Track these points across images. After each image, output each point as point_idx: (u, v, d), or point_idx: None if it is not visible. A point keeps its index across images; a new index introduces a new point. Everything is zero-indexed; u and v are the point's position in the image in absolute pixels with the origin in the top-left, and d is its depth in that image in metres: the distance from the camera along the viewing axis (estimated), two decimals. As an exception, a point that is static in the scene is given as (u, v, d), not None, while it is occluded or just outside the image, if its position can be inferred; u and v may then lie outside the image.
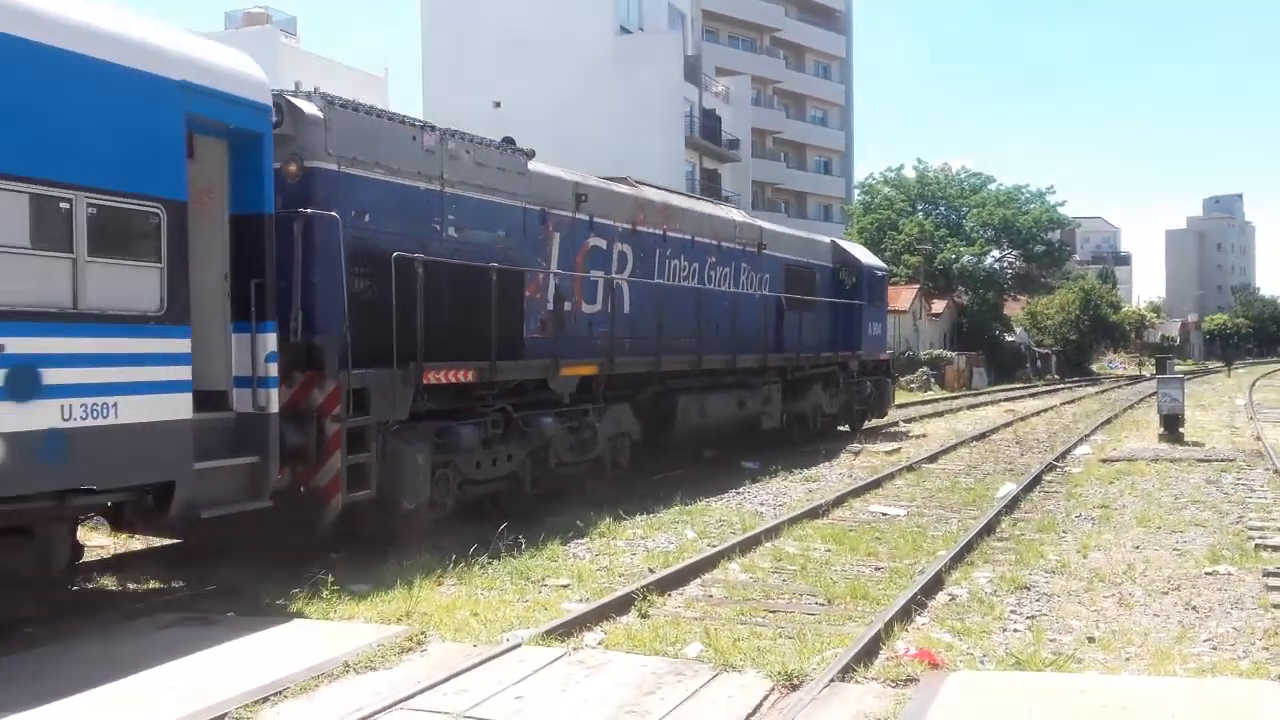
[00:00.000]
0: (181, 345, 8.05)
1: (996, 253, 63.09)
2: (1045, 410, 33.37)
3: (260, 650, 7.09)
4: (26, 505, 7.14)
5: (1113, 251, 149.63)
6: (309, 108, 9.83)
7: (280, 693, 6.26)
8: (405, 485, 10.47)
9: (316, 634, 7.49)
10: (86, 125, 7.44)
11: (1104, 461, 18.66)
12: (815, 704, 6.19)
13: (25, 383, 6.89)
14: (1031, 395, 43.96)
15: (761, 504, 14.33)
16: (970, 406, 35.34)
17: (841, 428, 23.95)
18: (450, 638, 7.63)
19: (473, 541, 10.36)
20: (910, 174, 63.45)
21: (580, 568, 10.11)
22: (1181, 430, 22.20)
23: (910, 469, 17.72)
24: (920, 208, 62.05)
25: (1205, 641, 7.86)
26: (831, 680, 6.55)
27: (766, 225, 21.42)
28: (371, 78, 46.62)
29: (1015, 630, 8.16)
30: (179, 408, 7.97)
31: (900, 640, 7.62)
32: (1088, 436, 23.54)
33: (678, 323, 16.14)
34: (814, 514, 13.03)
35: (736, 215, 20.18)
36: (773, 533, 11.69)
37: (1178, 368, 53.89)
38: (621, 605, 8.53)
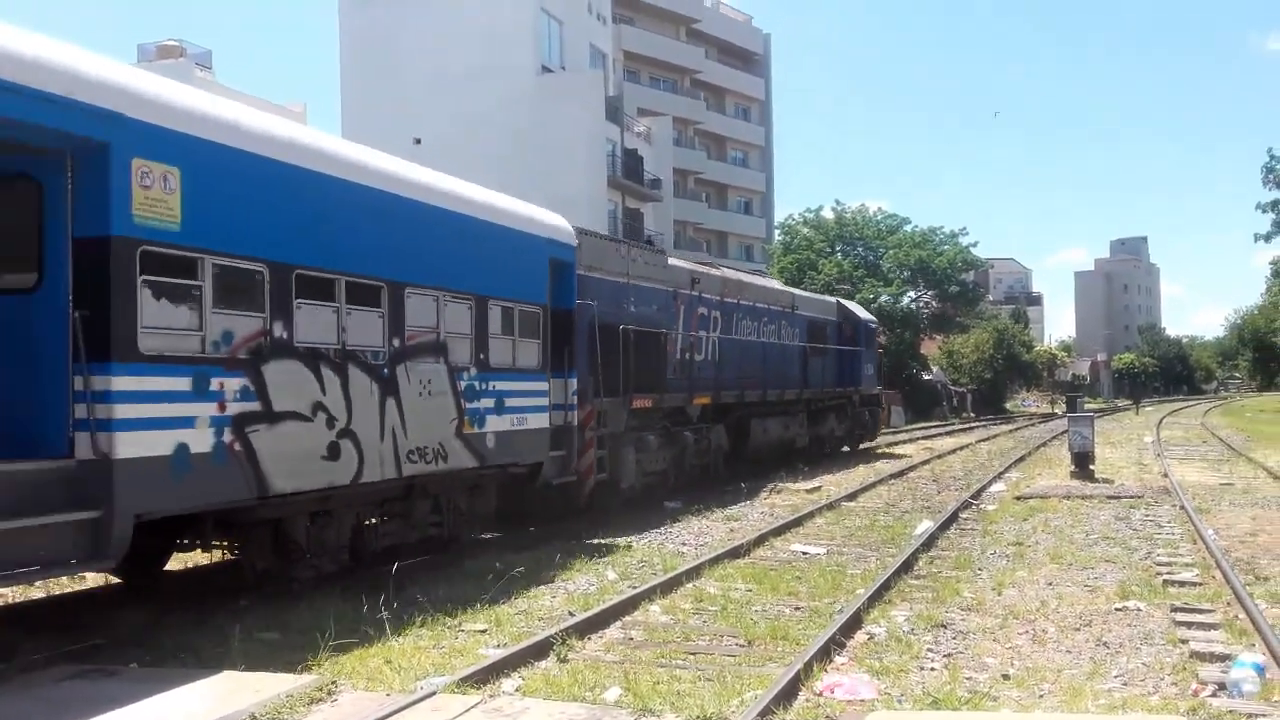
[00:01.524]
0: (559, 386, 14.36)
1: (913, 293, 64.26)
2: (961, 448, 33.93)
3: (163, 703, 6.83)
4: (490, 470, 12.88)
5: (1024, 292, 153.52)
6: (575, 240, 15.14)
7: (183, 747, 6.03)
8: (624, 471, 16.76)
9: (222, 685, 7.23)
10: (521, 269, 13.48)
11: (1018, 499, 18.99)
12: (734, 748, 6.14)
13: (501, 405, 12.80)
14: (948, 433, 44.70)
15: (684, 543, 14.30)
16: (889, 445, 35.78)
17: (845, 449, 30.83)
18: (362, 687, 7.44)
19: (379, 585, 10.16)
20: (829, 215, 64.50)
21: (498, 612, 9.96)
22: (1092, 467, 22.73)
23: (830, 507, 17.84)
24: (839, 248, 63.03)
25: (1116, 677, 7.98)
26: (751, 723, 6.51)
27: (796, 291, 29.79)
28: (289, 113, 46.10)
29: (932, 668, 8.21)
30: (545, 419, 13.90)
31: (819, 681, 7.62)
32: (1002, 474, 23.97)
33: (749, 366, 23.04)
34: (735, 553, 13.03)
35: (776, 284, 29.20)
36: (694, 573, 11.66)
37: (1088, 406, 55.31)
38: (540, 650, 8.40)
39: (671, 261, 20.18)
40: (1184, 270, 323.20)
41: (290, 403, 9.55)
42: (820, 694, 7.40)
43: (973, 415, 64.80)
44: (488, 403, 12.57)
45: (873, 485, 21.60)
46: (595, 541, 14.21)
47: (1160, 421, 51.89)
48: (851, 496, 19.53)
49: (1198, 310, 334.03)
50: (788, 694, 7.19)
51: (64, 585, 11.26)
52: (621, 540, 14.09)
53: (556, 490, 14.84)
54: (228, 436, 8.87)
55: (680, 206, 66.06)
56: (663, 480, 18.55)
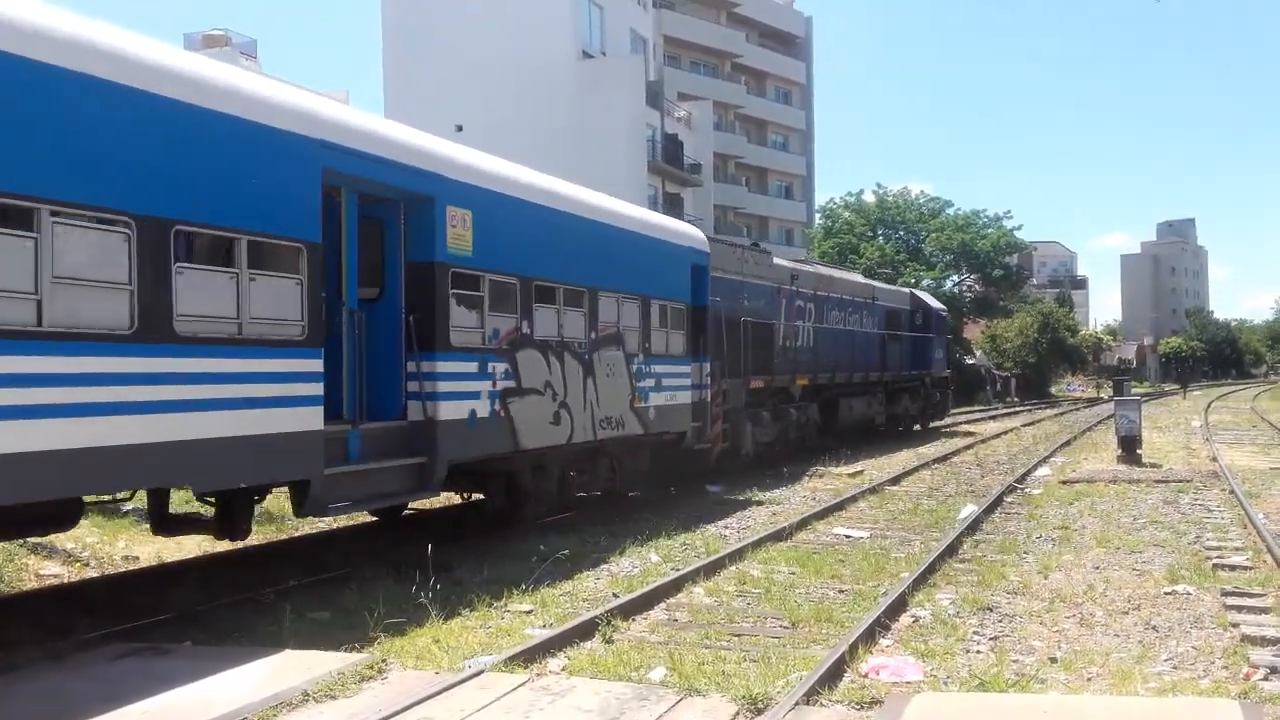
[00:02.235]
0: (697, 369, 17.48)
1: (955, 276, 63.66)
2: (1005, 432, 33.64)
3: (216, 680, 6.95)
4: (650, 437, 16.01)
5: (1069, 275, 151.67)
6: (708, 247, 18.50)
7: (238, 723, 6.14)
8: (743, 440, 20.20)
9: (275, 663, 7.36)
10: (672, 273, 16.89)
11: (1064, 483, 18.82)
12: (780, 728, 6.16)
13: (659, 385, 15.92)
14: (991, 418, 44.32)
15: (726, 527, 14.31)
16: (932, 429, 35.58)
17: (916, 427, 33.78)
18: (411, 665, 7.54)
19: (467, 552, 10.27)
20: (870, 198, 63.99)
21: (543, 593, 10.03)
22: (1139, 452, 22.45)
23: (873, 491, 17.77)
24: (880, 232, 62.55)
25: (1166, 661, 7.91)
26: (796, 704, 6.52)
27: (876, 283, 32.72)
28: (332, 99, 46.46)
29: (978, 651, 8.18)
30: (688, 396, 17.15)
31: (864, 663, 7.62)
32: (1047, 458, 23.75)
33: (838, 352, 26.09)
34: (778, 537, 13.03)
35: (859, 278, 32.08)
36: (737, 556, 11.67)
37: (1134, 390, 54.60)
38: (585, 630, 8.46)
39: (775, 261, 23.66)
40: (1233, 253, 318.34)
41: (532, 381, 12.86)
42: (865, 676, 7.40)
43: (1016, 400, 64.16)
44: (650, 382, 15.91)
45: (915, 469, 21.49)
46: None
47: (1208, 406, 51.12)
48: (894, 480, 19.44)
49: (1247, 293, 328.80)
50: (833, 675, 7.20)
51: (116, 565, 11.50)
52: (664, 526, 14.12)
53: (691, 454, 17.90)
54: (497, 405, 12.15)
55: (720, 191, 65.78)
56: (770, 449, 21.74)
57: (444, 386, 11.18)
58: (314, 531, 13.81)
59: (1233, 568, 11.07)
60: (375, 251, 11.03)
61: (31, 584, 10.72)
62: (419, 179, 10.97)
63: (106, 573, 11.33)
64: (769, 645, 8.33)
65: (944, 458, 24.24)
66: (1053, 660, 7.94)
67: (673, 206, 53.73)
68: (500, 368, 12.20)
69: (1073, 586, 10.38)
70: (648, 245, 16.19)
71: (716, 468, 19.13)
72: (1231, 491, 16.74)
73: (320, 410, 9.53)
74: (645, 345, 15.72)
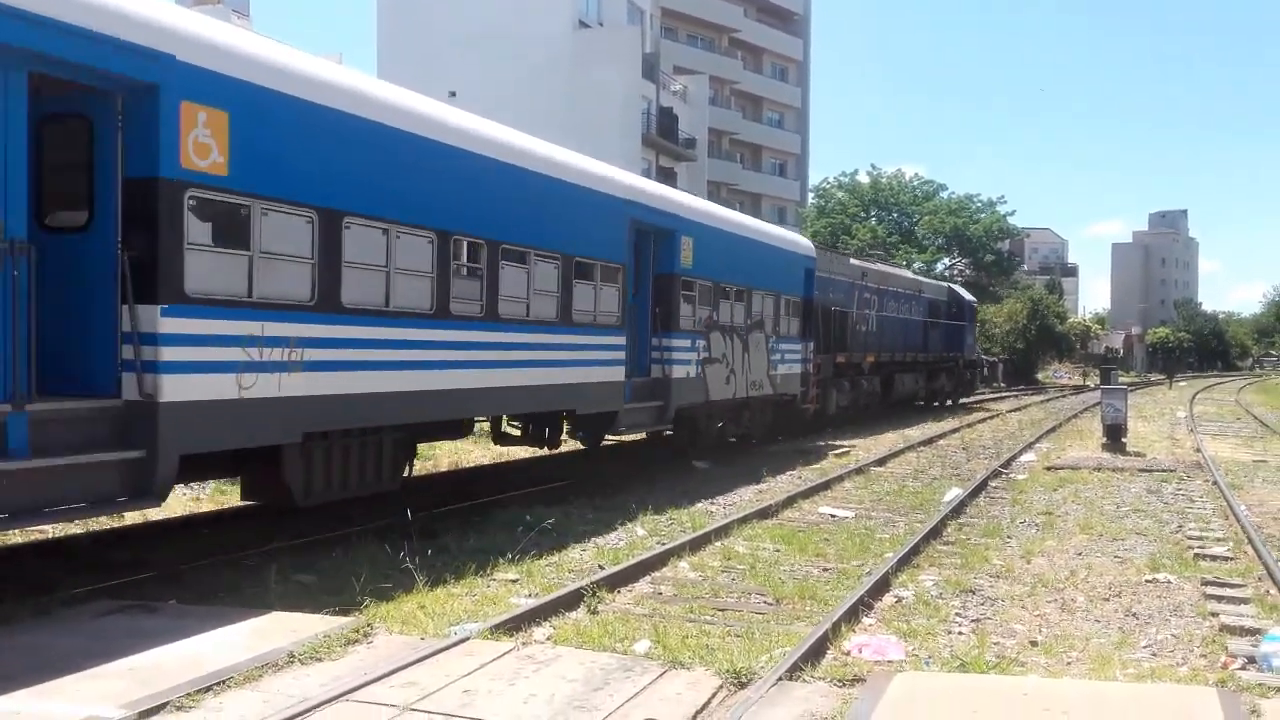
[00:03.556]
0: (805, 347, 22.84)
1: (947, 260, 63.80)
2: (992, 417, 33.78)
3: (203, 638, 6.97)
4: (775, 396, 21.35)
5: (1060, 263, 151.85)
6: (815, 254, 24.31)
7: (224, 682, 6.16)
8: (830, 403, 25.89)
9: (261, 624, 7.38)
10: (793, 274, 22.42)
11: (1048, 469, 18.92)
12: (763, 702, 6.21)
13: (783, 358, 21.39)
14: (977, 402, 44.45)
15: (712, 503, 14.36)
16: (961, 404, 35.94)
17: (949, 402, 39.13)
18: (397, 630, 7.56)
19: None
20: (864, 179, 64.04)
21: (529, 563, 10.06)
22: (1124, 440, 22.59)
23: (859, 472, 17.85)
24: (873, 213, 62.61)
25: (1145, 648, 7.99)
26: (779, 679, 6.57)
27: (922, 278, 39.81)
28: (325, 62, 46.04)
29: (960, 633, 8.25)
30: (799, 367, 22.44)
31: (847, 640, 7.68)
32: (1033, 444, 23.86)
33: (893, 335, 31.86)
34: (764, 514, 13.09)
35: (909, 274, 38.92)
36: (723, 532, 11.72)
37: (1121, 379, 54.75)
38: (571, 601, 8.50)
39: (851, 260, 30.71)
40: (1223, 245, 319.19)
41: (717, 353, 18.16)
42: (848, 653, 7.46)
43: (1003, 385, 64.35)
44: (778, 356, 21.27)
45: (902, 451, 21.57)
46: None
47: (1194, 397, 51.37)
48: (881, 462, 19.53)
49: (1235, 286, 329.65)
50: (816, 652, 7.25)
51: (102, 523, 11.48)
52: (651, 500, 14.15)
53: (794, 412, 23.25)
54: (697, 369, 17.45)
55: (714, 167, 65.61)
56: (845, 411, 27.35)
57: (675, 355, 16.65)
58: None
59: (1213, 558, 11.16)
60: (656, 266, 16.36)
61: (16, 539, 10.70)
62: (675, 222, 16.63)
63: (91, 529, 11.32)
64: (753, 620, 8.38)
65: (930, 441, 24.33)
66: (1033, 644, 8.01)
67: (666, 180, 53.47)
68: (701, 343, 17.55)
69: (1055, 572, 10.46)
70: (783, 255, 22.16)
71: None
72: (1214, 482, 16.86)
73: (624, 368, 15.10)
74: (776, 328, 21.21)
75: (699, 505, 14.03)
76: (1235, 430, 30.52)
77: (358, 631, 7.19)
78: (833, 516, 13.50)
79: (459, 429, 13.14)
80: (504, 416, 14.54)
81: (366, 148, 9.89)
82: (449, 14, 47.32)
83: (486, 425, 15.73)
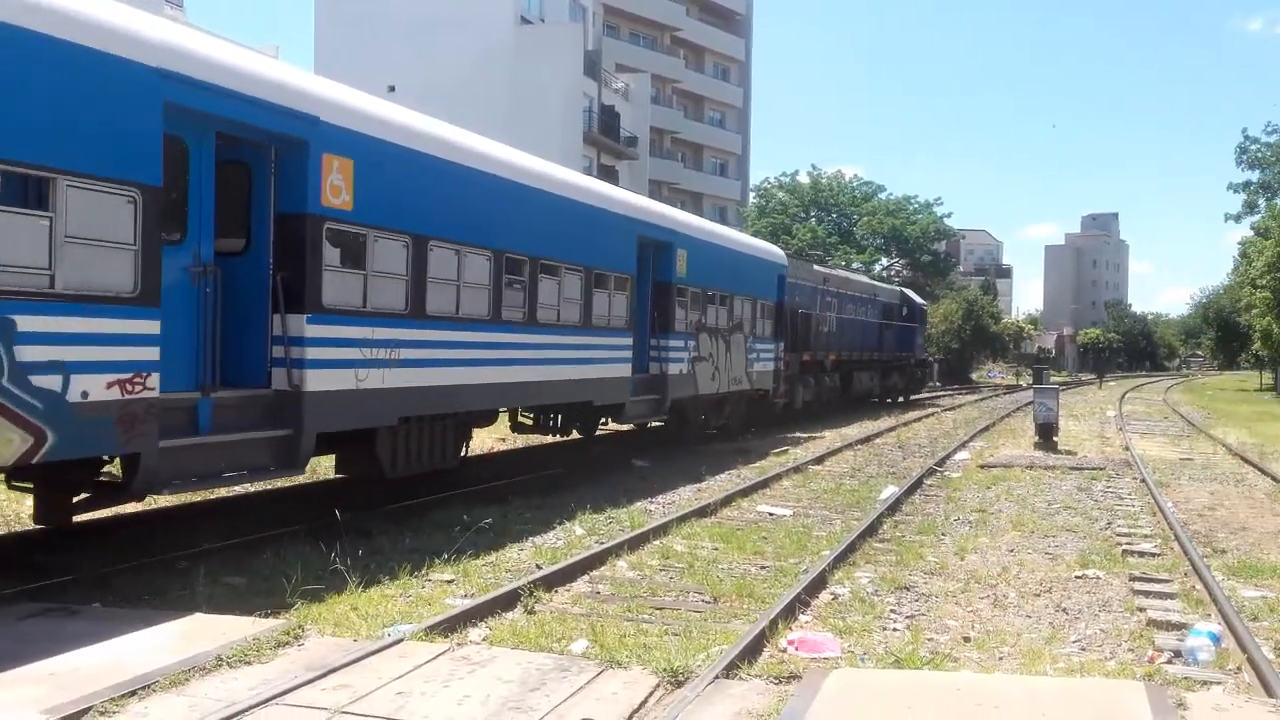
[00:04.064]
0: (778, 347, 25.31)
1: (885, 260, 64.49)
2: (927, 416, 34.20)
3: (128, 642, 6.79)
4: (750, 392, 23.83)
5: (995, 264, 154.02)
6: (785, 260, 26.69)
7: (149, 686, 6.00)
8: (797, 397, 27.94)
9: (188, 626, 7.21)
10: (768, 281, 24.94)
11: (982, 467, 19.19)
12: (699, 700, 6.19)
13: (759, 357, 23.75)
14: (913, 401, 44.98)
15: (651, 502, 14.35)
16: (913, 400, 36.29)
17: (899, 399, 41.41)
18: (329, 632, 7.44)
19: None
20: (804, 180, 64.51)
21: (465, 563, 9.97)
22: (1055, 439, 22.99)
23: (797, 470, 17.95)
24: (813, 213, 63.10)
25: (1075, 643, 8.11)
26: (716, 677, 6.56)
27: (877, 283, 41.71)
28: (260, 55, 45.32)
29: (895, 629, 8.31)
30: (771, 365, 24.92)
31: (784, 638, 7.70)
32: (967, 442, 24.18)
33: (852, 336, 34.21)
34: (702, 513, 13.10)
35: (865, 279, 42.00)
36: (661, 531, 11.71)
37: (1053, 379, 55.78)
38: (508, 601, 8.43)
39: (815, 267, 33.78)
40: (1153, 248, 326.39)
41: (704, 351, 20.36)
42: (785, 650, 7.48)
43: (938, 385, 65.19)
44: (754, 355, 23.47)
45: (839, 450, 21.75)
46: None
47: (1123, 396, 52.46)
48: (818, 460, 19.66)
49: (1165, 288, 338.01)
50: (753, 649, 7.26)
51: (25, 524, 11.18)
52: (590, 499, 14.11)
53: (767, 406, 25.58)
54: (689, 367, 19.58)
55: (656, 166, 65.69)
56: (810, 405, 29.72)
57: (671, 354, 18.84)
58: (232, 494, 13.54)
59: (1141, 554, 11.38)
60: (655, 275, 18.66)
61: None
62: (660, 231, 18.53)
63: (13, 531, 11.01)
64: (690, 619, 8.37)
65: (867, 439, 24.55)
66: (966, 639, 8.10)
67: (608, 178, 53.45)
68: (692, 343, 19.81)
69: (988, 568, 10.60)
70: (760, 263, 24.41)
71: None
72: (1143, 480, 17.21)
73: (630, 365, 17.25)
74: (754, 330, 23.38)
75: (638, 504, 14.02)
76: (1163, 429, 31.21)
77: (288, 634, 7.06)
78: (771, 515, 13.56)
79: (493, 417, 15.14)
80: (519, 407, 16.30)
81: (445, 183, 12.05)
82: (389, 6, 46.91)
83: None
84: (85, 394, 7.84)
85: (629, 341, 17.20)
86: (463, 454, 13.74)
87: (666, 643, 7.53)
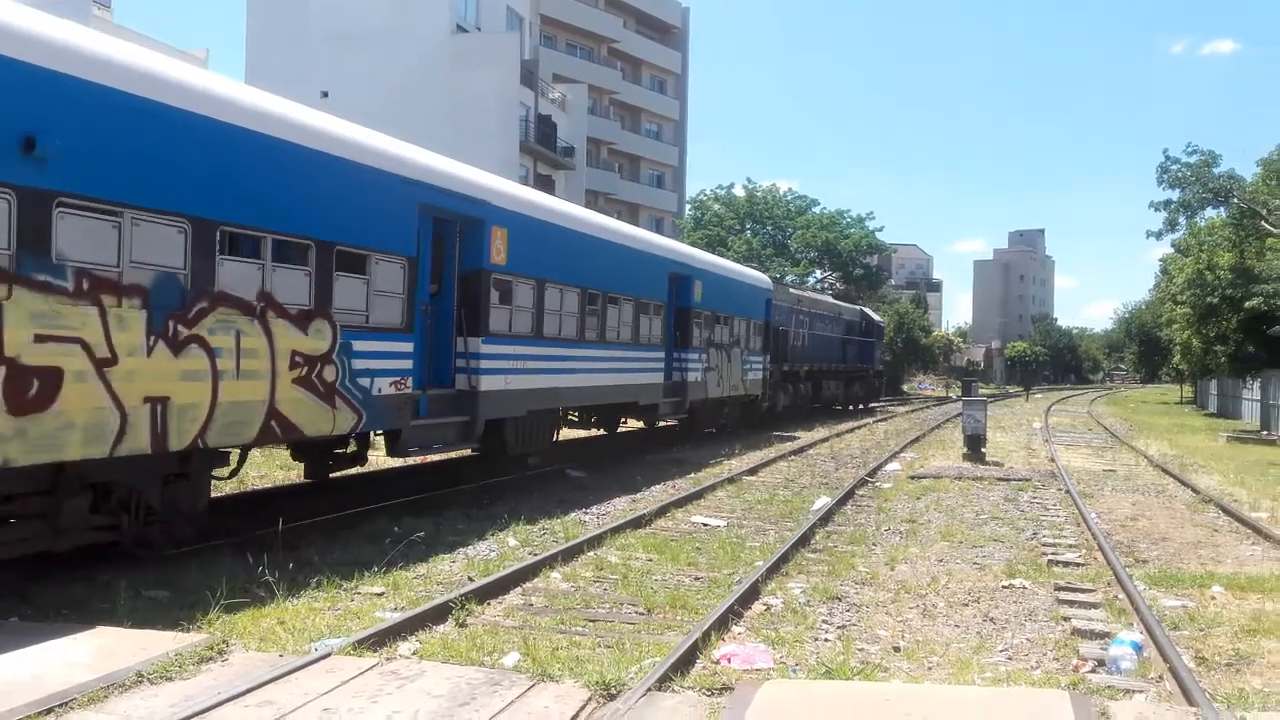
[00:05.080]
0: (765, 358, 30.55)
1: (819, 273, 65.08)
2: (859, 427, 34.58)
3: (45, 658, 6.60)
4: (746, 397, 29.14)
5: (925, 278, 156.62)
6: (771, 285, 32.58)
7: (66, 703, 5.84)
8: (778, 401, 33.44)
9: (108, 641, 7.02)
10: (759, 302, 30.47)
11: (912, 478, 19.43)
12: (632, 714, 6.17)
13: (752, 367, 28.89)
14: (846, 413, 45.44)
15: (586, 513, 14.30)
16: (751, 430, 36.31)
17: (860, 406, 46.86)
18: (255, 647, 7.29)
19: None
20: (740, 192, 64.92)
21: (396, 576, 9.84)
22: (984, 450, 23.35)
23: (731, 481, 18.02)
24: (749, 226, 63.52)
25: (1002, 652, 8.23)
26: (649, 689, 6.55)
27: (841, 303, 46.61)
28: (190, 57, 44.53)
29: (827, 639, 8.37)
30: (760, 374, 30.02)
31: (717, 649, 7.71)
32: (898, 454, 24.48)
33: (820, 349, 39.26)
34: (637, 524, 13.09)
35: (831, 299, 46.29)
36: (595, 542, 11.68)
37: (981, 391, 56.69)
38: (438, 614, 8.34)
39: (791, 290, 38.58)
40: (1078, 264, 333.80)
41: (713, 363, 24.74)
42: (718, 662, 7.49)
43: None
44: (748, 366, 28.12)
45: (773, 460, 21.88)
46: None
47: (1049, 409, 53.52)
48: (752, 471, 19.75)
49: (1089, 303, 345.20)
50: (685, 662, 7.26)
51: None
52: (524, 509, 14.03)
53: (753, 407, 30.22)
54: (702, 375, 24.22)
55: (593, 176, 65.69)
56: (788, 409, 34.57)
57: (689, 365, 23.53)
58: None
59: (1066, 564, 11.59)
60: (678, 302, 23.25)
61: None
62: (685, 267, 23.67)
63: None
64: (624, 631, 8.35)
65: (800, 450, 24.74)
66: (896, 649, 8.17)
67: (544, 188, 53.36)
68: (704, 356, 24.44)
69: (917, 578, 10.71)
70: (752, 289, 29.52)
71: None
72: (1067, 491, 17.54)
73: (663, 374, 22.25)
74: (747, 345, 28.14)
75: (572, 515, 13.97)
76: (1087, 441, 31.87)
77: (212, 649, 6.91)
78: (705, 525, 13.59)
79: (577, 412, 20.83)
80: (592, 404, 20.16)
81: (554, 240, 16.76)
82: (322, 12, 46.34)
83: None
84: (380, 390, 12.12)
85: (662, 355, 22.18)
86: (555, 438, 18.69)
87: (599, 655, 7.50)
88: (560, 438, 20.60)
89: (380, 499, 13.88)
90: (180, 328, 9.22)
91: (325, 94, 41.99)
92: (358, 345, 11.52)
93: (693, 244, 58.52)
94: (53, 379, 8.03)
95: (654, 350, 21.57)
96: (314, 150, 10.86)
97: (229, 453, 10.85)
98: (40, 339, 7.95)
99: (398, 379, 12.40)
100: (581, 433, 23.52)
